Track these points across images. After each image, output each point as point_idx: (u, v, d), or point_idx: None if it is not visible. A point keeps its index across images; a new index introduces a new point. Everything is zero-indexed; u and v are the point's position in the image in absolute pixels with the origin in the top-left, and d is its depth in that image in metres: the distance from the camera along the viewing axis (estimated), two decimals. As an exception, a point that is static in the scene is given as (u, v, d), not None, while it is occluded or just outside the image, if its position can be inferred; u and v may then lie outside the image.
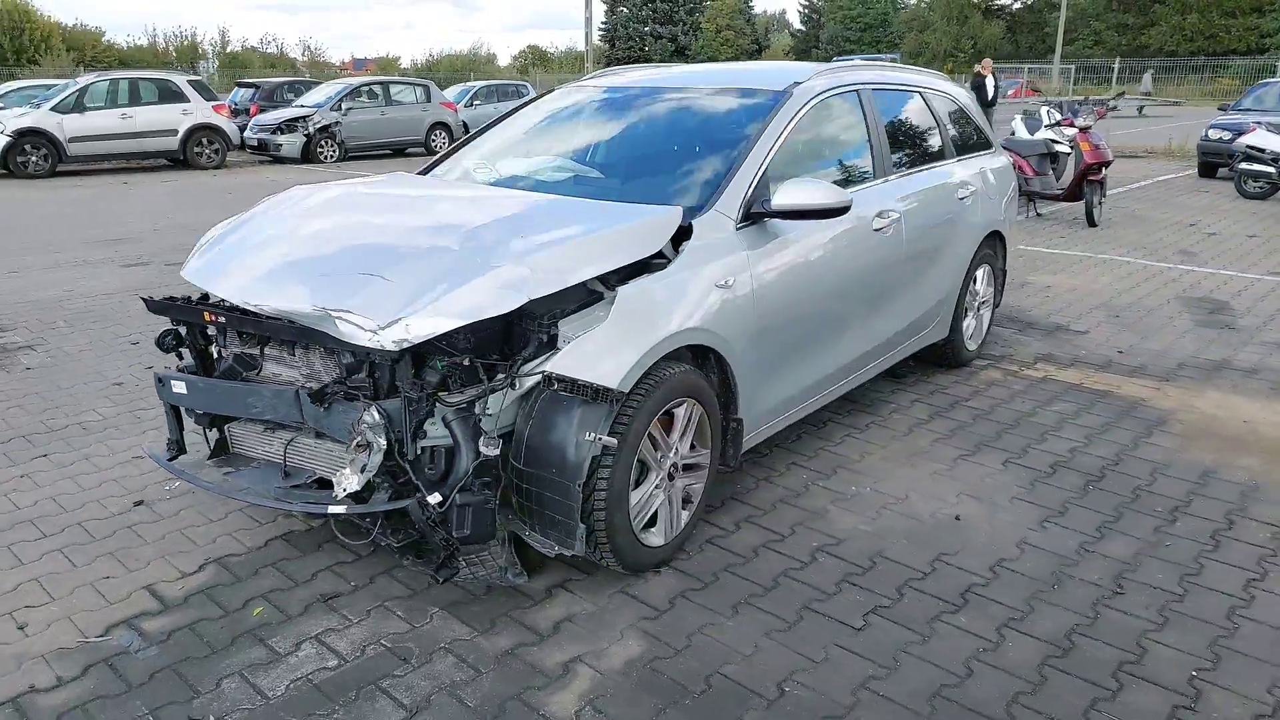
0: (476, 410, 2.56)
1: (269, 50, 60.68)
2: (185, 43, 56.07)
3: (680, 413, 2.86)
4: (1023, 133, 10.93)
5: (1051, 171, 10.32)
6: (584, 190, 3.38)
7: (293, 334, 2.66)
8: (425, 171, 4.01)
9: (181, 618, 2.63)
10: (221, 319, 2.80)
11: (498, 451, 2.55)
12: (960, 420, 4.20)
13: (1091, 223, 9.66)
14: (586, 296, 2.74)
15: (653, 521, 2.88)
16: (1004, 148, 10.11)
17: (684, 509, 3.02)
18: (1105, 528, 3.22)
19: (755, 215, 3.15)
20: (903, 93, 4.40)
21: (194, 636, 2.55)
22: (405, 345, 2.43)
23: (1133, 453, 3.86)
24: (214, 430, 3.05)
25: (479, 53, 72.22)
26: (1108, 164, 9.62)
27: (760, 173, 3.22)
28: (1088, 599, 2.78)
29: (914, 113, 4.47)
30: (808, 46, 63.58)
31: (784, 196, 3.11)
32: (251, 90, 19.35)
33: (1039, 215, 10.39)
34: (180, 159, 15.01)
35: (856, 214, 3.64)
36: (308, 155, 16.46)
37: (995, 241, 4.99)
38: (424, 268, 2.62)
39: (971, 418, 4.24)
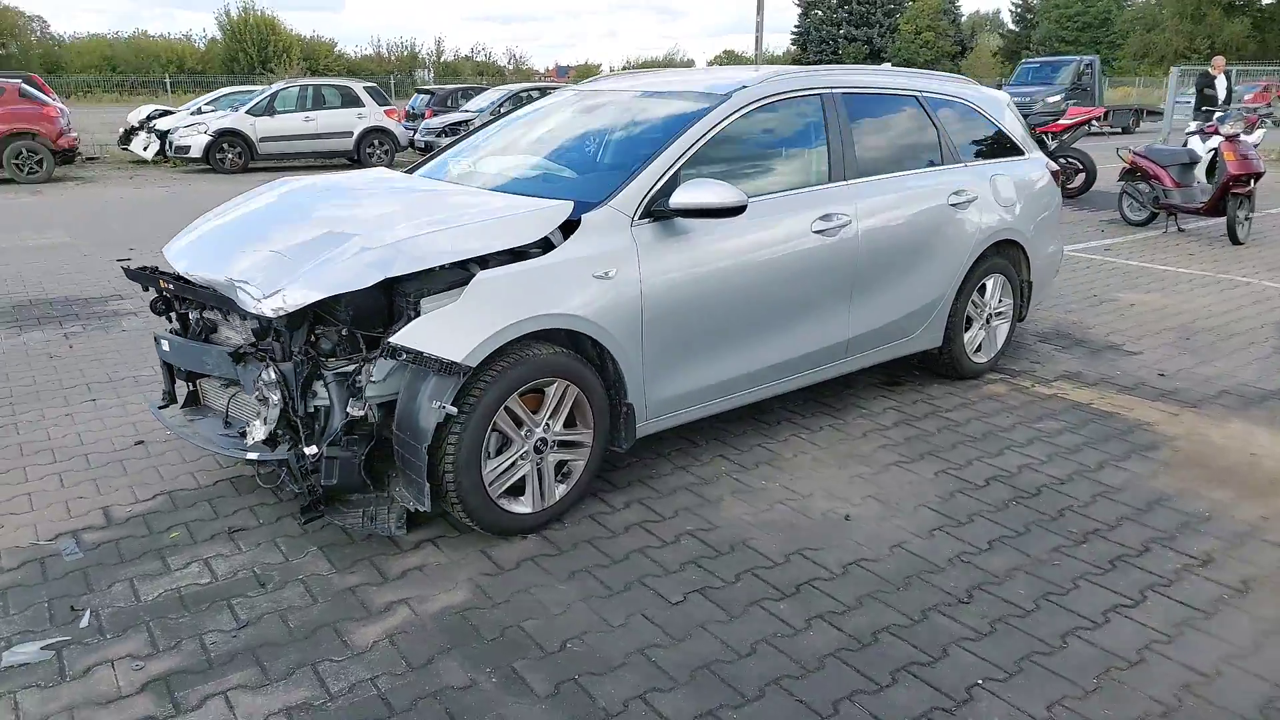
0: (362, 377, 2.90)
1: (479, 59, 64.48)
2: (405, 53, 60.54)
3: (550, 391, 3.08)
4: (1195, 143, 10.19)
5: (1197, 183, 9.56)
6: (525, 186, 3.66)
7: (216, 300, 3.11)
8: (414, 169, 4.40)
9: (114, 534, 3.14)
10: (170, 286, 3.30)
11: (363, 413, 2.88)
12: (924, 430, 4.15)
13: (1235, 240, 8.88)
14: (465, 278, 3.02)
15: (520, 491, 3.11)
16: (1141, 156, 9.55)
17: (561, 483, 3.23)
18: (999, 542, 3.15)
19: (657, 213, 3.32)
20: (888, 98, 4.38)
21: (114, 549, 3.04)
22: (282, 312, 2.81)
23: (1090, 474, 3.69)
24: (190, 384, 3.57)
25: (675, 58, 73.56)
26: (1257, 176, 8.80)
27: (667, 173, 3.38)
28: (923, 604, 2.77)
29: (901, 118, 4.43)
30: (1018, 48, 60.35)
31: (680, 195, 3.27)
32: (428, 96, 20.86)
33: (1180, 230, 9.64)
34: (354, 159, 16.48)
35: (791, 215, 3.72)
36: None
37: (1013, 251, 4.83)
38: (316, 248, 3.00)
39: (938, 428, 4.17)
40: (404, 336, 2.79)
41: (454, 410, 2.82)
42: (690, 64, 70.31)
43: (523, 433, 3.06)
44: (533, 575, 2.92)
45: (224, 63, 50.64)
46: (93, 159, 17.17)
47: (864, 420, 4.26)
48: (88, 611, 2.68)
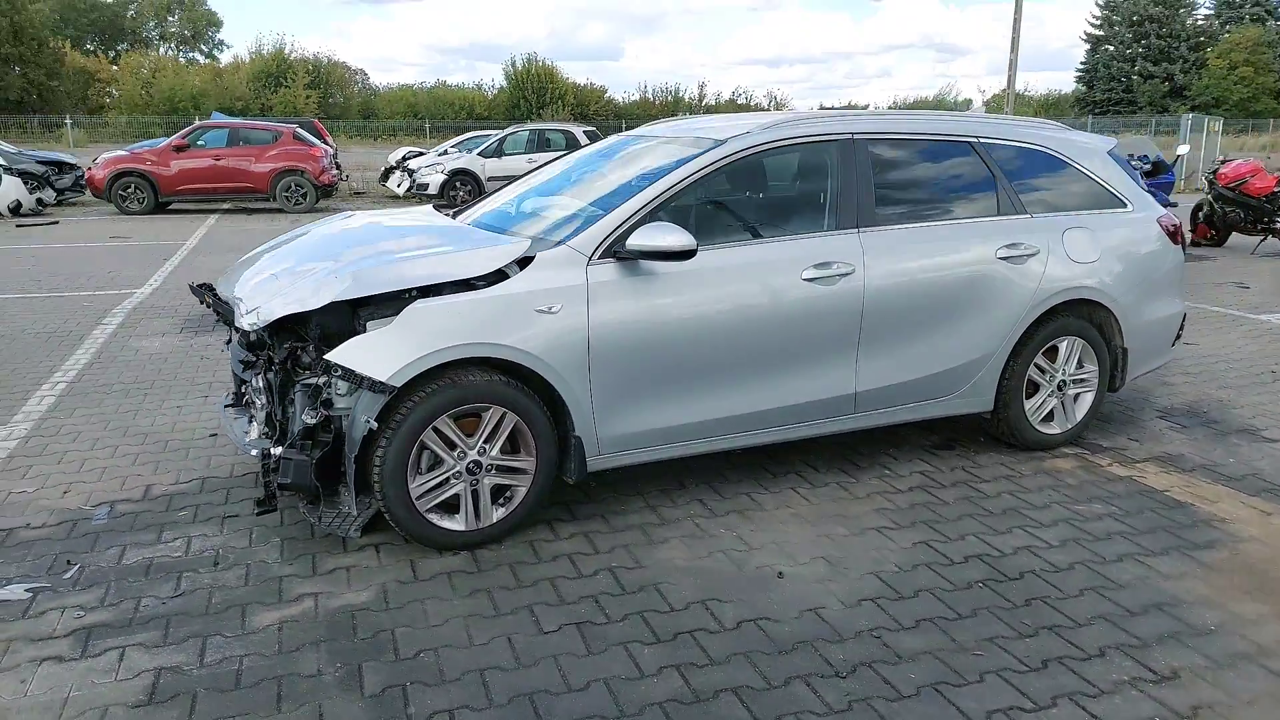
0: (329, 390, 3.25)
1: (740, 101, 65.72)
2: (670, 97, 62.92)
3: (486, 416, 3.27)
4: None
5: None
6: (525, 225, 3.88)
7: (229, 314, 3.60)
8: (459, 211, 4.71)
9: (140, 508, 3.70)
10: (209, 300, 3.85)
11: (315, 421, 3.22)
12: (938, 499, 3.88)
13: None
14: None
15: (456, 508, 3.31)
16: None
17: (502, 506, 3.39)
18: (929, 623, 2.92)
19: (620, 255, 3.42)
20: (932, 144, 4.17)
21: (131, 520, 3.58)
22: (255, 327, 3.24)
23: (1097, 566, 3.30)
24: (241, 385, 4.12)
25: (946, 98, 70.87)
26: None
27: (635, 216, 3.47)
28: (794, 671, 2.65)
29: (947, 166, 4.20)
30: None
31: (635, 238, 3.36)
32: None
33: None
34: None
35: (775, 261, 3.67)
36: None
37: (1097, 312, 4.38)
38: (305, 274, 3.40)
39: (957, 498, 3.88)
40: (338, 354, 3.10)
41: (375, 425, 3.08)
42: (966, 104, 67.35)
43: (455, 454, 3.26)
44: (438, 588, 3.09)
45: (507, 109, 55.28)
46: (359, 193, 19.52)
47: (878, 481, 4.05)
48: (76, 567, 3.20)
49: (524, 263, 3.37)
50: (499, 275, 3.34)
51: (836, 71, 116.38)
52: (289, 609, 2.95)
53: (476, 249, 3.40)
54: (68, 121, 38.56)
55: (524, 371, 3.30)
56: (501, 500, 3.41)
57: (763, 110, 62.80)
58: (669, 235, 3.32)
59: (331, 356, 3.10)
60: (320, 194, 15.66)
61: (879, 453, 4.38)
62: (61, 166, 16.32)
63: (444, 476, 3.26)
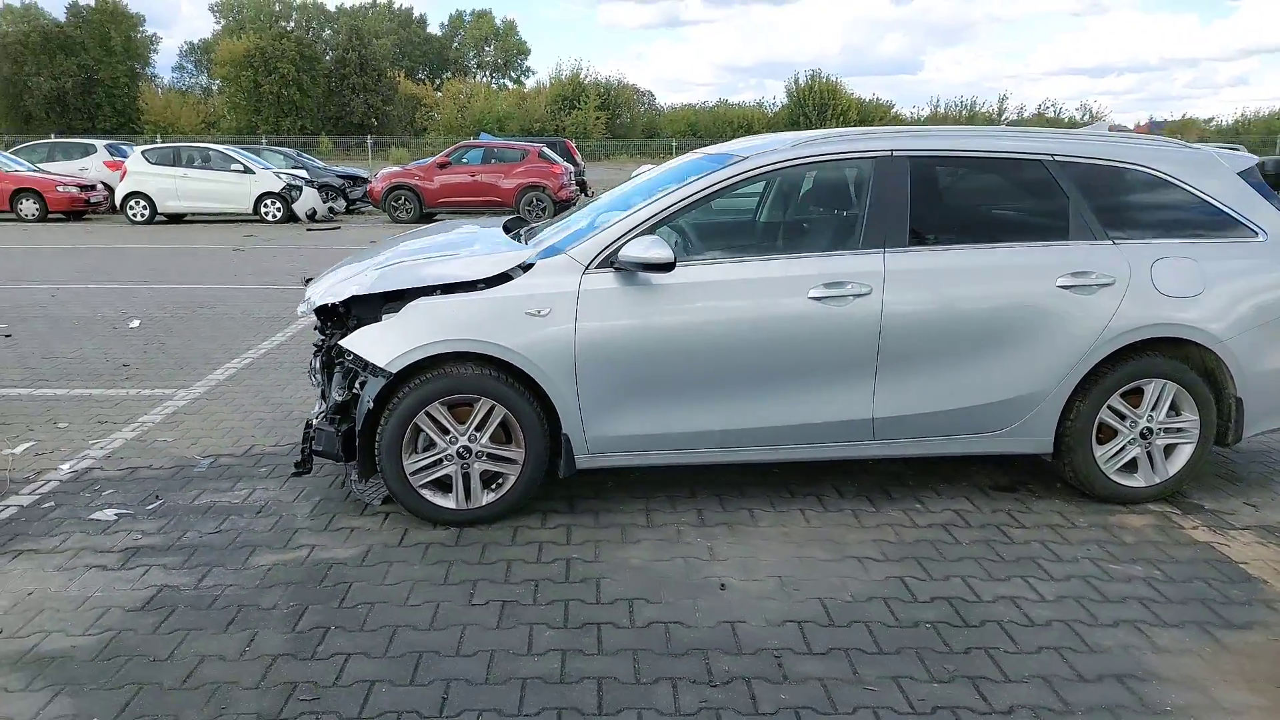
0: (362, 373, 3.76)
1: (1049, 114, 60.94)
2: (965, 112, 59.80)
3: (477, 407, 3.59)
4: None
5: None
6: (555, 235, 4.15)
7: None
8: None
9: (235, 462, 4.40)
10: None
11: (343, 399, 3.71)
12: (948, 538, 3.67)
13: None
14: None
15: (449, 488, 3.66)
16: None
17: (492, 491, 3.70)
18: (841, 651, 2.85)
19: (616, 265, 3.62)
20: (990, 162, 3.93)
21: (222, 470, 4.28)
22: (302, 314, 3.81)
23: (1080, 625, 3.01)
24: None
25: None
26: None
27: (636, 229, 3.64)
28: (657, 674, 2.72)
29: (1008, 186, 3.95)
30: None
31: (625, 250, 3.55)
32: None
33: None
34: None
35: (778, 279, 3.68)
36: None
37: (1196, 354, 3.91)
38: (356, 273, 3.92)
39: (973, 540, 3.66)
40: (349, 340, 3.57)
41: (372, 405, 3.50)
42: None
43: (447, 438, 3.61)
44: (411, 555, 3.45)
45: (786, 126, 55.45)
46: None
47: (900, 514, 3.89)
48: (159, 501, 3.91)
49: (530, 269, 3.65)
50: (505, 278, 3.64)
51: (1175, 81, 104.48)
52: (287, 554, 3.44)
53: (489, 255, 3.74)
54: (366, 142, 43.87)
55: (515, 369, 3.57)
56: (494, 486, 3.70)
57: (1075, 125, 57.80)
58: (652, 249, 3.47)
59: (344, 342, 3.57)
60: (558, 207, 16.85)
61: (924, 485, 4.19)
62: (356, 180, 18.85)
63: (436, 457, 3.61)
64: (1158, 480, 3.98)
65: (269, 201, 16.97)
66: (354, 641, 2.85)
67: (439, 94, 65.84)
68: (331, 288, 3.80)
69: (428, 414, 3.56)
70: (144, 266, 11.58)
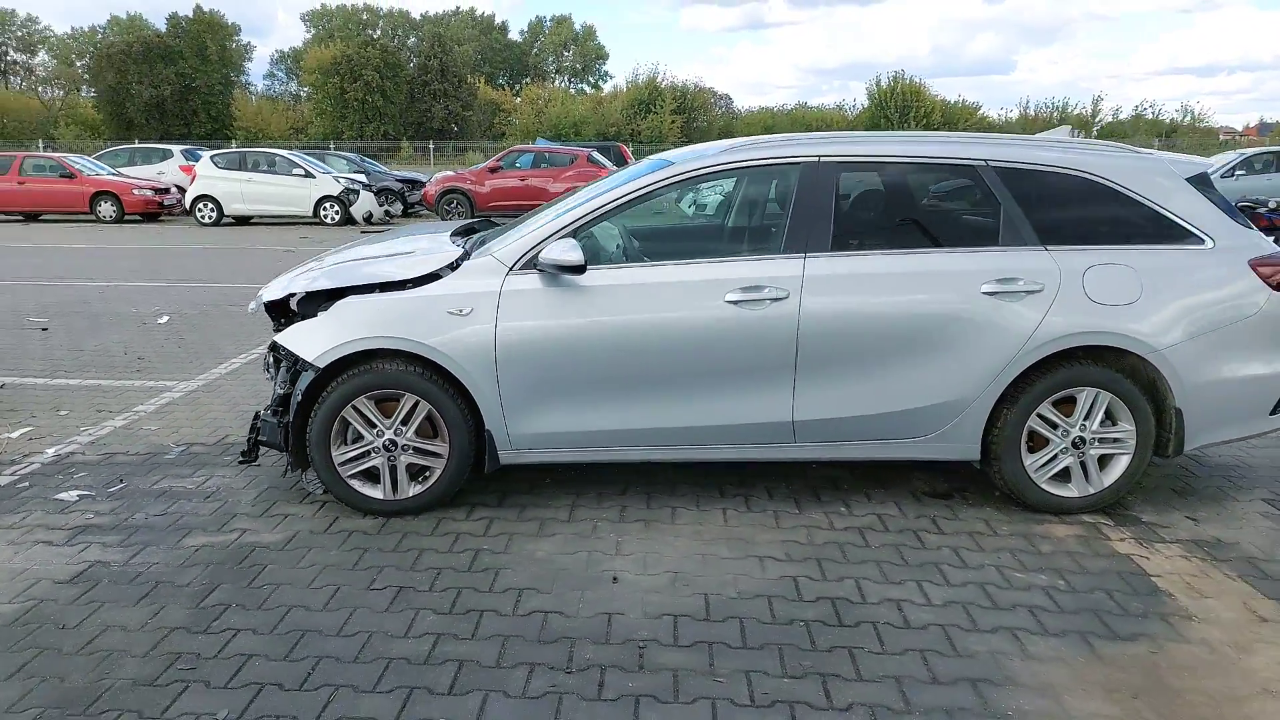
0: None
1: (1148, 116, 58.25)
2: (1056, 114, 57.34)
3: (402, 402, 3.76)
4: None
5: None
6: (495, 238, 4.29)
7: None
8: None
9: (205, 450, 4.67)
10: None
11: (285, 391, 3.93)
12: (865, 541, 3.68)
13: None
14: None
15: (377, 478, 3.84)
16: None
17: (419, 484, 3.86)
18: (705, 645, 2.91)
19: (539, 267, 3.75)
20: (919, 168, 3.94)
21: (189, 458, 4.56)
22: (251, 310, 4.04)
23: (955, 632, 3.01)
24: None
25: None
26: None
27: (556, 232, 3.77)
28: (516, 657, 2.84)
29: (935, 192, 3.94)
30: None
31: (544, 252, 3.68)
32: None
33: None
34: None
35: (694, 282, 3.76)
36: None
37: (1136, 364, 3.83)
38: (304, 273, 4.14)
39: (884, 544, 3.67)
40: (282, 336, 3.78)
41: (300, 398, 3.71)
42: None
43: (374, 431, 3.79)
44: (331, 541, 3.64)
45: (866, 128, 54.44)
46: (659, 212, 20.83)
47: (821, 516, 3.92)
48: (121, 484, 4.20)
49: (457, 269, 3.81)
50: (434, 278, 3.81)
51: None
52: (218, 537, 3.66)
53: (424, 256, 3.90)
54: (445, 147, 44.81)
55: (438, 366, 3.73)
56: (421, 478, 3.86)
57: (1178, 124, 54.83)
58: (566, 252, 3.59)
59: (278, 338, 3.78)
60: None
61: (858, 490, 4.20)
62: (415, 184, 19.40)
63: (364, 450, 3.80)
64: (1092, 491, 3.92)
65: (328, 205, 17.61)
66: (247, 618, 3.04)
67: (517, 99, 66.92)
68: (282, 285, 4.02)
69: (354, 408, 3.75)
70: (197, 266, 12.18)
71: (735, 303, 3.71)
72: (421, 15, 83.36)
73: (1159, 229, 3.89)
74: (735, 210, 4.27)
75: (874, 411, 3.82)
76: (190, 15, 61.50)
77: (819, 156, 3.88)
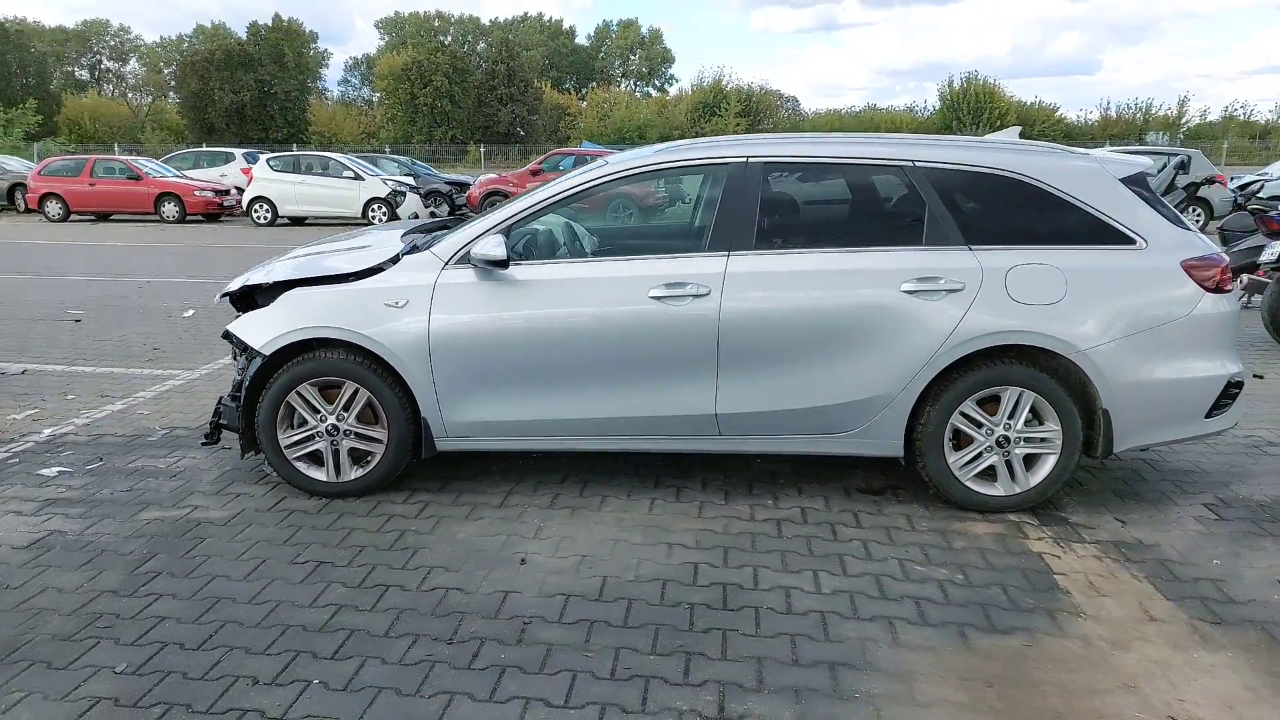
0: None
1: (1239, 117, 55.84)
2: (1140, 115, 55.21)
3: (343, 389, 3.99)
4: None
5: None
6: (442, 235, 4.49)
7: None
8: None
9: (187, 434, 4.97)
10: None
11: (241, 377, 4.20)
12: (781, 533, 3.77)
13: None
14: None
15: (319, 462, 4.08)
16: None
17: (360, 467, 4.08)
18: (585, 622, 3.06)
19: (473, 262, 3.94)
20: (846, 168, 4.00)
21: (170, 440, 4.86)
22: (218, 300, 4.32)
23: (831, 618, 3.09)
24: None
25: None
26: None
27: (490, 228, 3.95)
28: (407, 629, 3.02)
29: (861, 192, 4.02)
30: None
31: (474, 248, 3.87)
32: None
33: None
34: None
35: (621, 278, 3.90)
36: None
37: (1057, 363, 3.85)
38: (265, 267, 4.41)
39: (798, 535, 3.75)
40: (234, 325, 4.04)
41: (246, 383, 3.96)
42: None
43: (317, 417, 4.02)
44: (272, 519, 3.88)
45: (938, 131, 53.17)
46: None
47: (745, 507, 4.02)
48: (100, 462, 4.52)
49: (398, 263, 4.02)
50: (377, 272, 4.03)
51: None
52: (170, 512, 3.93)
53: (372, 250, 4.13)
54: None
55: (377, 355, 3.94)
56: (364, 462, 4.08)
57: (1270, 127, 52.20)
58: (493, 248, 3.77)
59: (230, 327, 4.03)
60: (644, 213, 17.20)
61: (791, 484, 4.29)
62: (463, 187, 19.85)
63: (309, 434, 4.03)
64: (1018, 490, 3.94)
65: (375, 206, 18.16)
66: (172, 585, 3.29)
67: (583, 103, 67.54)
68: (242, 279, 4.28)
69: (299, 394, 3.98)
70: (238, 264, 12.71)
71: (659, 299, 3.84)
72: (491, 21, 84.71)
73: (1089, 230, 3.89)
74: (679, 209, 4.39)
75: (796, 406, 3.90)
76: (269, 23, 63.67)
77: (747, 157, 3.98)
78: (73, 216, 20.14)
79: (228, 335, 4.07)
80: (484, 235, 3.92)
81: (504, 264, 3.79)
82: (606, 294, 3.89)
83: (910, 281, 3.81)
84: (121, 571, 3.39)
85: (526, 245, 4.20)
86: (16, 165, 22.85)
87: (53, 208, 19.66)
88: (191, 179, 20.37)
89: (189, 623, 3.03)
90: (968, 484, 3.94)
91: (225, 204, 19.62)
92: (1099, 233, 3.88)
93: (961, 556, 3.57)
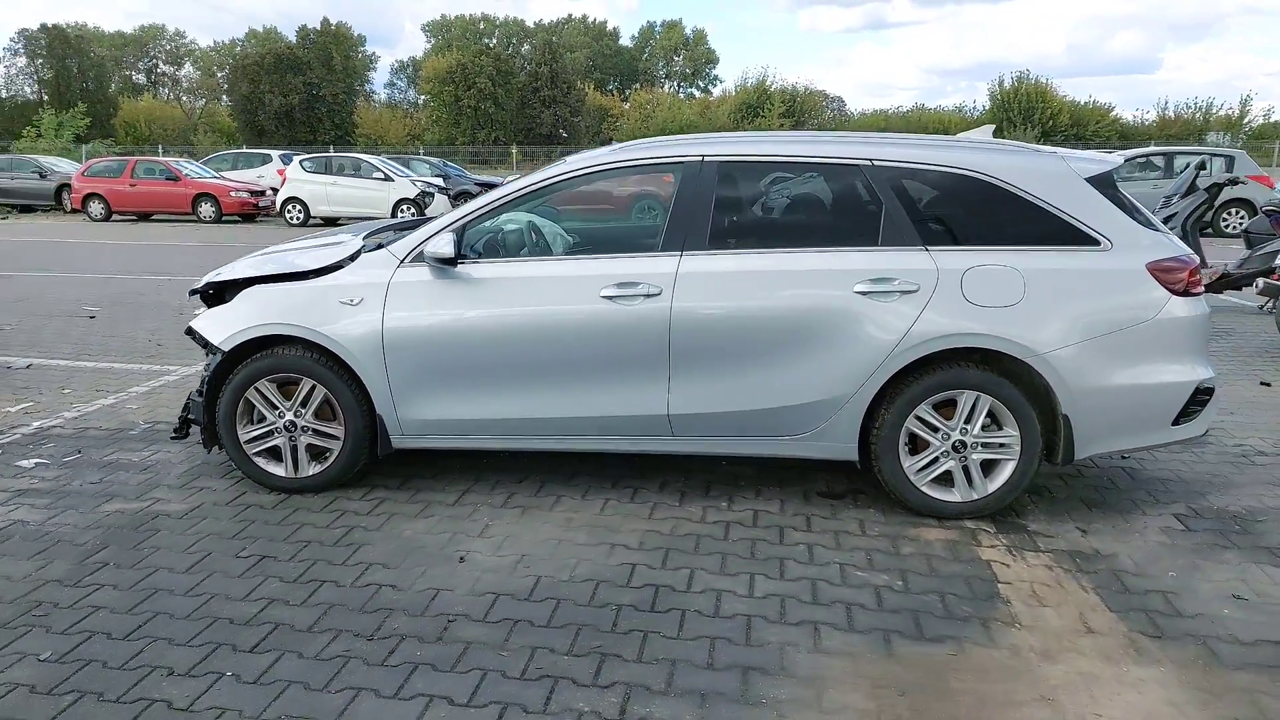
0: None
1: None
2: (1199, 115, 53.33)
3: (300, 386, 4.04)
4: None
5: None
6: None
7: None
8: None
9: (166, 429, 5.08)
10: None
11: (208, 373, 4.28)
12: (730, 536, 3.75)
13: None
14: None
15: (278, 458, 4.14)
16: None
17: (317, 462, 4.13)
18: (509, 621, 3.07)
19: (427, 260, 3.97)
20: (802, 167, 3.97)
21: (149, 435, 4.97)
22: (190, 297, 4.41)
23: (759, 621, 3.06)
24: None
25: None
26: None
27: (445, 227, 3.97)
28: (340, 624, 3.05)
29: (817, 191, 3.97)
30: None
31: (426, 246, 3.90)
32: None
33: None
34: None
35: (571, 278, 3.90)
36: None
37: (1021, 368, 3.77)
38: (234, 264, 4.49)
39: (748, 538, 3.72)
40: (195, 321, 4.11)
41: (207, 376, 4.03)
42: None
43: (275, 413, 4.08)
44: (227, 512, 3.94)
45: (991, 131, 51.95)
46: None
47: (698, 509, 4.00)
48: (78, 454, 4.63)
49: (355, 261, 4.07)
50: (335, 270, 4.07)
51: None
52: (131, 505, 4.02)
53: (330, 250, 4.18)
54: (552, 152, 45.54)
55: (332, 352, 3.99)
56: (322, 458, 4.13)
57: None
58: (440, 246, 3.80)
59: (192, 323, 4.11)
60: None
61: (751, 487, 4.25)
62: (492, 188, 19.98)
63: (268, 429, 4.09)
64: (976, 496, 3.86)
65: (404, 207, 18.38)
66: (115, 575, 3.36)
67: (625, 105, 67.62)
68: (208, 277, 4.37)
69: (257, 390, 4.04)
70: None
71: (611, 298, 3.83)
72: (535, 23, 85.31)
73: (1051, 230, 3.80)
74: (636, 210, 4.38)
75: (748, 408, 3.87)
76: (318, 28, 64.83)
77: (703, 156, 3.96)
78: (114, 216, 20.71)
79: (190, 331, 4.15)
80: (438, 234, 3.95)
81: (452, 262, 3.81)
82: (559, 293, 3.89)
83: (864, 283, 3.75)
84: (71, 561, 3.47)
85: (491, 244, 4.22)
86: (65, 167, 23.54)
87: (95, 208, 20.23)
88: (228, 180, 20.82)
89: (122, 613, 3.10)
90: (924, 489, 3.87)
91: (260, 204, 20.01)
92: (1061, 233, 3.79)
93: (907, 562, 3.51)
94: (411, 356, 3.92)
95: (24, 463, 4.51)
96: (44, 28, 63.87)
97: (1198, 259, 3.92)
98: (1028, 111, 51.14)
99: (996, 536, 3.75)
